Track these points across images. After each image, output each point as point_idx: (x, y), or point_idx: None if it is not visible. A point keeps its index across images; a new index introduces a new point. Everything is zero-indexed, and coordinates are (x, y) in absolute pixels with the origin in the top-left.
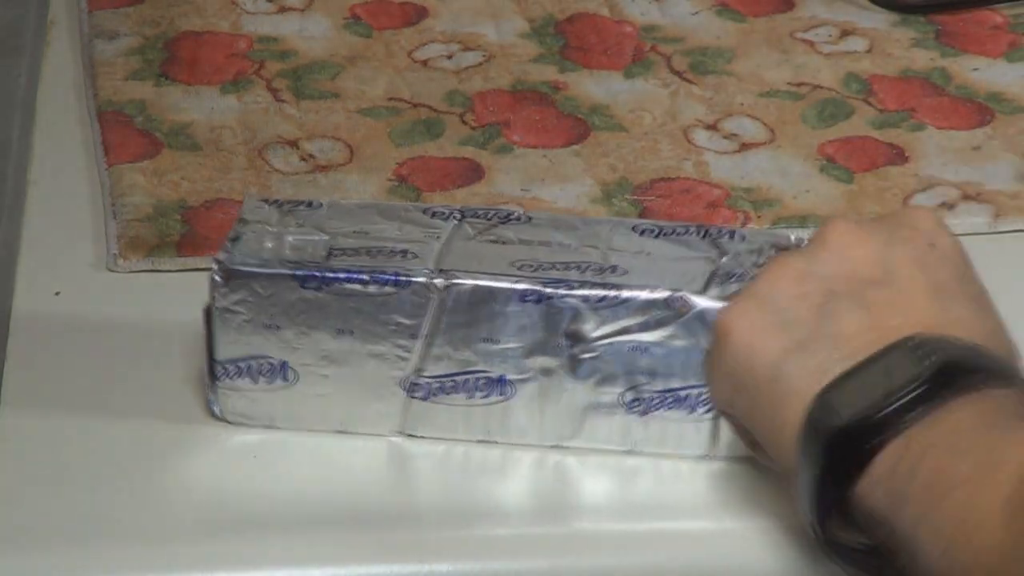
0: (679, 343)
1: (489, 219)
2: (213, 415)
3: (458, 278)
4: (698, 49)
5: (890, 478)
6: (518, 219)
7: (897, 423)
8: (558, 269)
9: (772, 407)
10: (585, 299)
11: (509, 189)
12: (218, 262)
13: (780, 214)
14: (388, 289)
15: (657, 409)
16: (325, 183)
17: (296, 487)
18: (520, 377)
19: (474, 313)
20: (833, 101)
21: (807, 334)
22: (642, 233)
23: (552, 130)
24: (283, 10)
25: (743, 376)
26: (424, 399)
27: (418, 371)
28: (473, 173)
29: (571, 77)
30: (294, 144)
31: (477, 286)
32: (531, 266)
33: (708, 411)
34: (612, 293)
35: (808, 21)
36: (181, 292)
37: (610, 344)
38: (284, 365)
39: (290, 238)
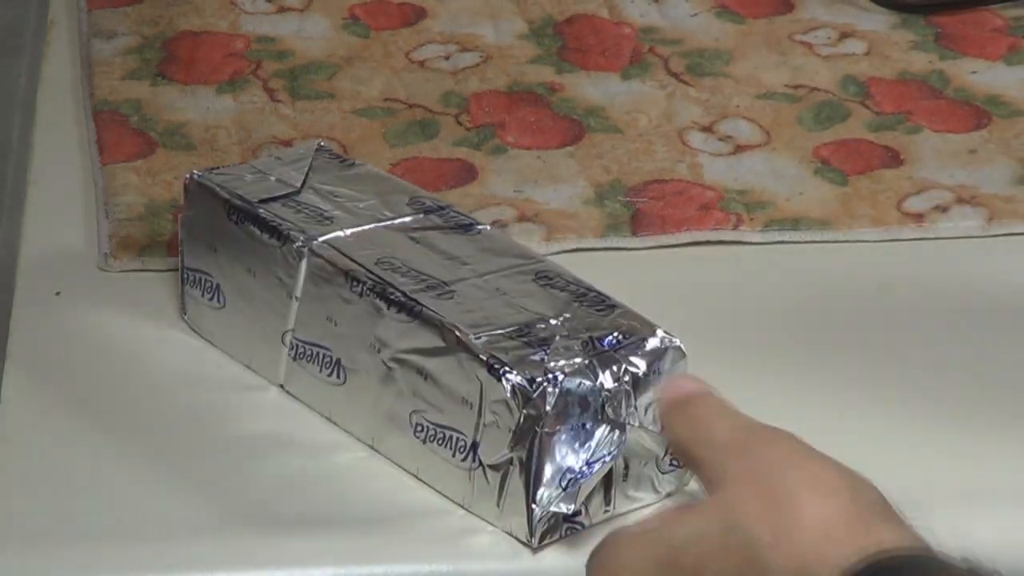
0: (451, 379)
1: (447, 222)
2: (182, 315)
3: (321, 252)
4: (696, 51)
5: None
6: (471, 231)
7: None
8: (401, 275)
9: None
10: (388, 302)
11: (502, 191)
12: (192, 175)
13: (772, 216)
14: (273, 242)
15: (432, 441)
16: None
17: (296, 485)
18: (350, 366)
19: (325, 289)
20: (830, 103)
21: None
22: (536, 279)
23: (547, 131)
24: (282, 10)
25: None
26: (295, 359)
27: (293, 330)
28: (466, 174)
29: (568, 78)
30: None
31: (326, 264)
32: (391, 266)
33: (464, 460)
34: (412, 309)
35: (807, 23)
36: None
37: (405, 360)
38: (219, 287)
39: (273, 178)
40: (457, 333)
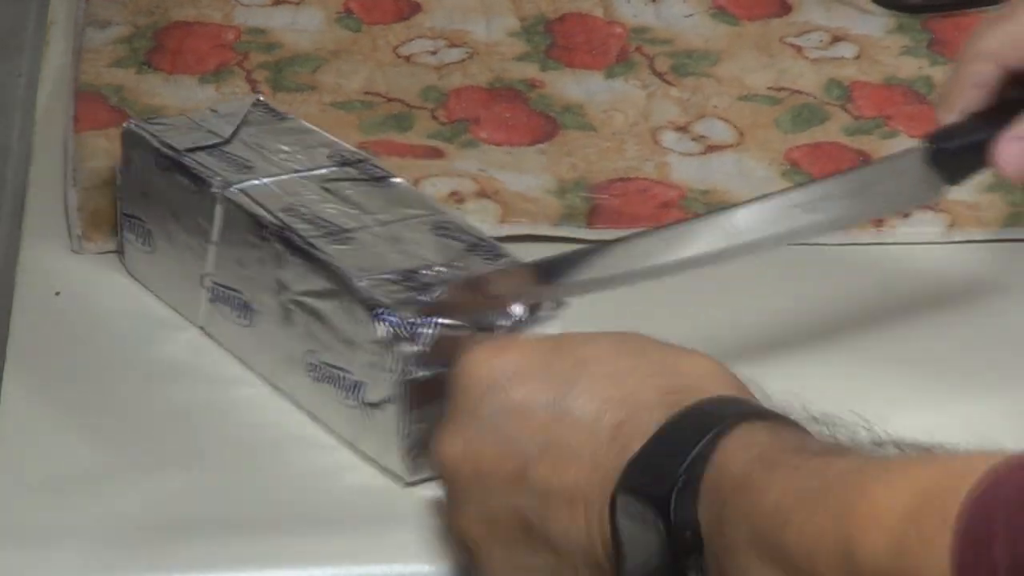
0: (339, 320)
1: (362, 174)
2: (120, 259)
3: (233, 198)
4: (684, 51)
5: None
6: (384, 183)
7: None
8: (305, 221)
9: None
10: (287, 245)
11: (467, 166)
12: (128, 124)
13: None
14: (193, 188)
15: (324, 381)
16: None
17: (296, 488)
18: (256, 308)
19: (236, 234)
20: (809, 107)
21: (553, 563)
22: (434, 228)
23: (520, 128)
24: (278, 3)
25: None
26: (212, 301)
27: (210, 274)
28: (434, 154)
29: (551, 76)
30: None
31: (239, 208)
32: (297, 214)
33: (350, 399)
34: (308, 253)
35: (801, 26)
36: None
37: (300, 301)
38: (150, 232)
39: (205, 129)
40: (343, 276)
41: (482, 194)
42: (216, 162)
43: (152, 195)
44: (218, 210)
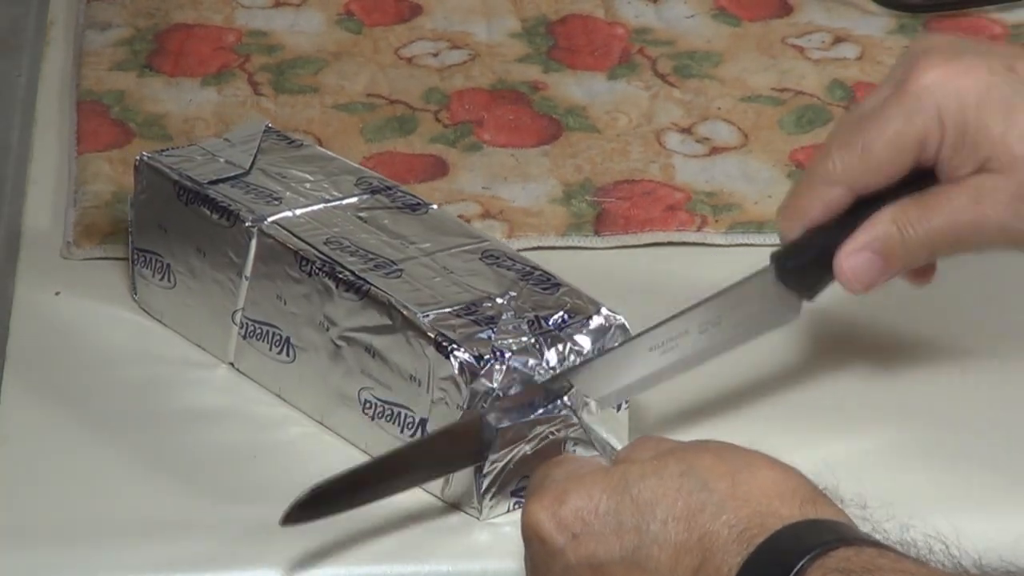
0: (399, 357)
1: (394, 202)
2: (132, 295)
3: (271, 232)
4: (686, 52)
5: None
6: (418, 210)
7: None
8: (350, 254)
9: None
10: (337, 281)
11: (470, 187)
12: (141, 157)
13: (738, 219)
14: (223, 222)
15: (380, 418)
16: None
17: (297, 488)
18: (299, 345)
19: (274, 268)
20: (813, 107)
21: None
22: (482, 258)
23: (524, 130)
24: (278, 4)
25: None
26: (244, 337)
27: (242, 309)
28: (437, 170)
29: (554, 77)
30: None
31: (278, 243)
32: (339, 246)
33: (413, 436)
34: (358, 285)
35: (803, 27)
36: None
37: (353, 338)
38: (169, 267)
39: (222, 160)
40: (404, 312)
41: (487, 215)
42: (242, 194)
43: (172, 229)
44: (253, 245)
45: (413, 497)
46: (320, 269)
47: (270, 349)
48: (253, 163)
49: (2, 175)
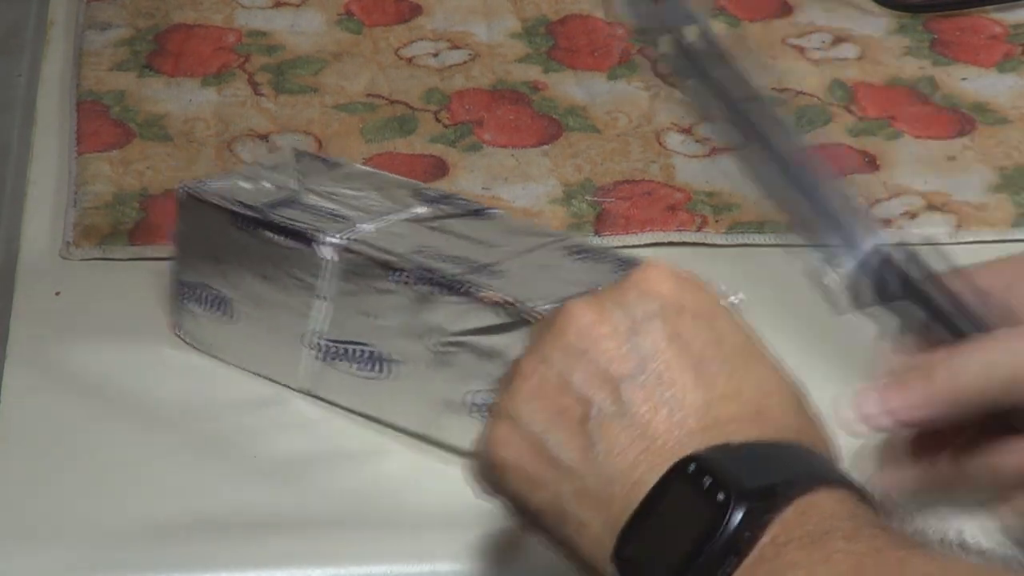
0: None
1: (457, 209)
2: (175, 332)
3: (352, 248)
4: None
5: None
6: (484, 215)
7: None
8: (445, 260)
9: (570, 545)
10: (439, 287)
11: (470, 187)
12: (183, 188)
13: (738, 218)
14: (292, 244)
15: None
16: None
17: (296, 489)
18: (393, 358)
19: (360, 284)
20: (813, 108)
21: (578, 467)
22: (571, 253)
23: (524, 130)
24: (278, 5)
25: (531, 514)
26: (322, 360)
27: (319, 332)
28: (437, 170)
29: (554, 77)
30: (264, 137)
31: (362, 257)
32: (428, 254)
33: None
34: (464, 287)
35: (803, 27)
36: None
37: (462, 341)
38: (226, 299)
39: (269, 185)
40: (521, 307)
41: None
42: (302, 215)
43: (227, 259)
44: (330, 263)
45: (413, 497)
46: (417, 278)
47: (357, 368)
48: (300, 185)
49: (2, 175)
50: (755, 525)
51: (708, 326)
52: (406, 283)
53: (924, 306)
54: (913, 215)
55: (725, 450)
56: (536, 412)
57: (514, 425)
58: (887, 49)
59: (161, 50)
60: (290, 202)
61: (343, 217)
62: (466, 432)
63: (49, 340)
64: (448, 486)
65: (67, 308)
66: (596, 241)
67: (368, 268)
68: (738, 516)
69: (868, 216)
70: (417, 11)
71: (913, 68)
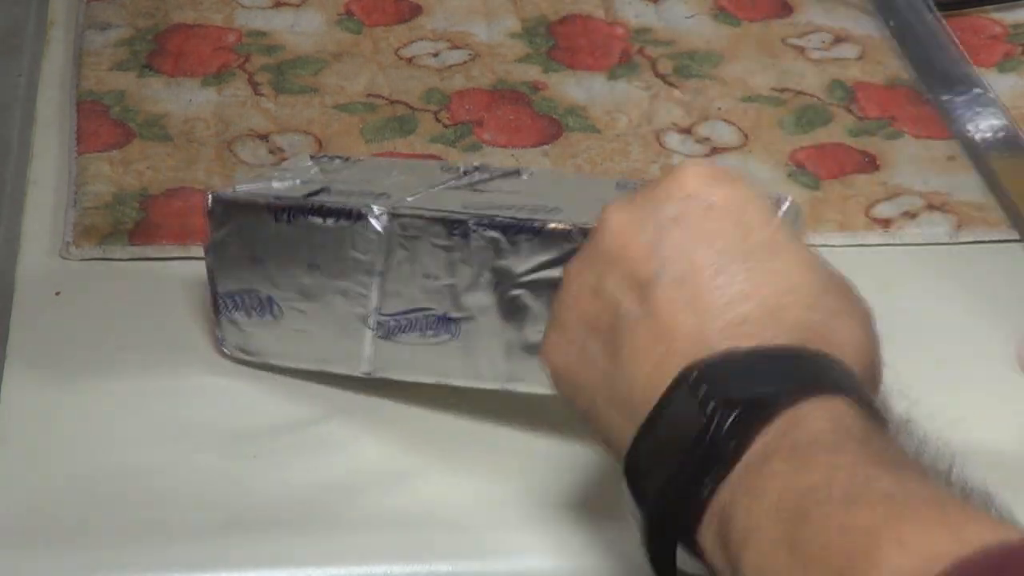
0: None
1: (495, 174)
2: (220, 348)
3: (405, 213)
4: (686, 53)
5: (709, 537)
6: (521, 173)
7: (700, 491)
8: (495, 209)
9: (610, 449)
10: (504, 230)
11: None
12: (212, 196)
13: None
14: (343, 223)
15: None
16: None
17: (296, 489)
18: (461, 315)
19: (418, 248)
20: (813, 108)
21: (609, 372)
22: (619, 188)
23: (524, 130)
24: (278, 5)
25: (581, 418)
26: (385, 338)
27: (378, 309)
28: None
29: (554, 77)
30: (264, 137)
31: (418, 220)
32: (483, 207)
33: None
34: (530, 224)
35: (803, 27)
36: (182, 288)
37: (533, 280)
38: (270, 299)
39: (297, 181)
40: (587, 227)
41: None
42: (345, 199)
43: (268, 257)
44: (384, 234)
45: (413, 497)
46: (479, 225)
47: (424, 336)
48: (328, 178)
49: (2, 175)
50: (742, 435)
51: (735, 221)
52: (467, 235)
53: None
54: (913, 215)
55: (728, 357)
56: (576, 319)
57: (561, 332)
58: (888, 49)
59: (161, 50)
60: (324, 191)
61: (382, 194)
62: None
63: (49, 340)
64: (448, 486)
65: (67, 308)
66: None
67: (425, 229)
68: (725, 426)
69: None
70: (417, 11)
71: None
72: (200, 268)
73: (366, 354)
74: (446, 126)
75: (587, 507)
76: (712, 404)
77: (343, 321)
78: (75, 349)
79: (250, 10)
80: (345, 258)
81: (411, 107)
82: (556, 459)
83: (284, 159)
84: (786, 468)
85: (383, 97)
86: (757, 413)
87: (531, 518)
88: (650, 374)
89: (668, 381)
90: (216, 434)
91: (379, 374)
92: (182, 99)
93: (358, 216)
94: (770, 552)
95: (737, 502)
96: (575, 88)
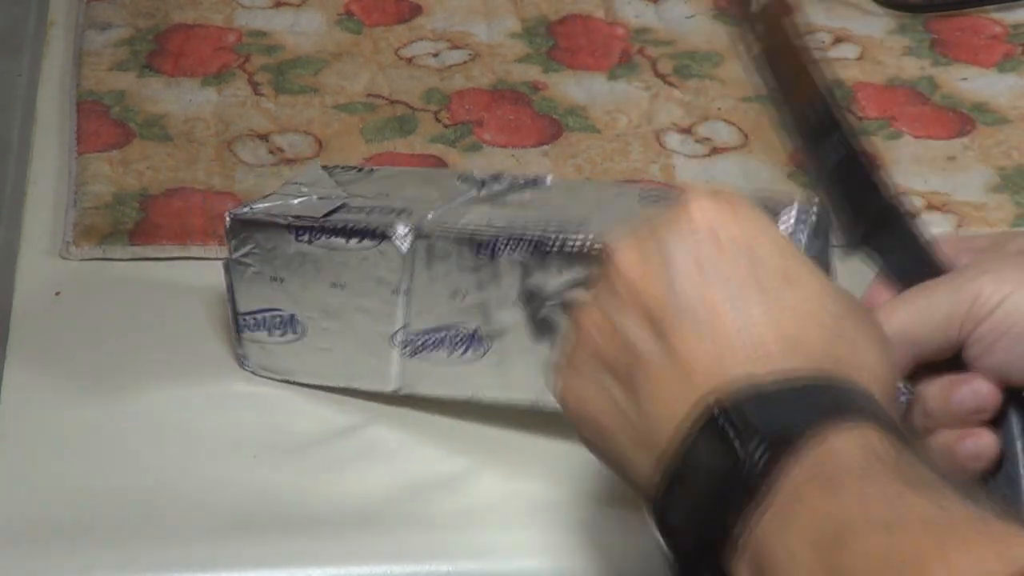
0: None
1: (516, 184)
2: (242, 367)
3: (430, 232)
4: (686, 53)
5: (742, 569)
6: (540, 183)
7: (732, 528)
8: (528, 227)
9: (627, 480)
10: (534, 249)
11: None
12: (230, 215)
13: None
14: (366, 243)
15: None
16: (289, 175)
17: (296, 489)
18: (492, 334)
19: (444, 267)
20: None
21: (630, 414)
22: (643, 200)
23: (524, 130)
24: (278, 5)
25: (607, 464)
26: (412, 356)
27: (404, 327)
28: (437, 167)
29: (554, 78)
30: (264, 137)
31: (443, 240)
32: (510, 223)
33: None
34: (559, 242)
35: (803, 27)
36: (182, 288)
37: (563, 299)
38: (292, 318)
39: (314, 196)
40: None
41: None
42: (365, 217)
43: (291, 277)
44: (409, 254)
45: (412, 497)
46: (508, 244)
47: (452, 354)
48: (346, 192)
49: (2, 175)
50: (772, 469)
51: (746, 253)
52: (495, 255)
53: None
54: (913, 215)
55: (751, 389)
56: (590, 358)
57: (576, 374)
58: (887, 49)
59: (161, 50)
60: (343, 208)
61: (403, 210)
62: None
63: (49, 340)
64: (448, 487)
65: (67, 308)
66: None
67: (452, 248)
68: (754, 461)
69: None
70: (417, 11)
71: (913, 68)
72: (200, 268)
73: (393, 372)
74: (446, 126)
75: (587, 508)
76: (739, 440)
77: (369, 339)
78: (75, 349)
79: (250, 10)
80: (369, 277)
81: (411, 107)
82: (556, 459)
83: (285, 159)
84: (819, 497)
85: (383, 97)
86: (785, 446)
87: (531, 518)
88: (674, 412)
89: (692, 418)
90: (216, 433)
91: (407, 391)
92: (182, 99)
93: (382, 236)
94: None
95: (771, 534)
96: (575, 88)
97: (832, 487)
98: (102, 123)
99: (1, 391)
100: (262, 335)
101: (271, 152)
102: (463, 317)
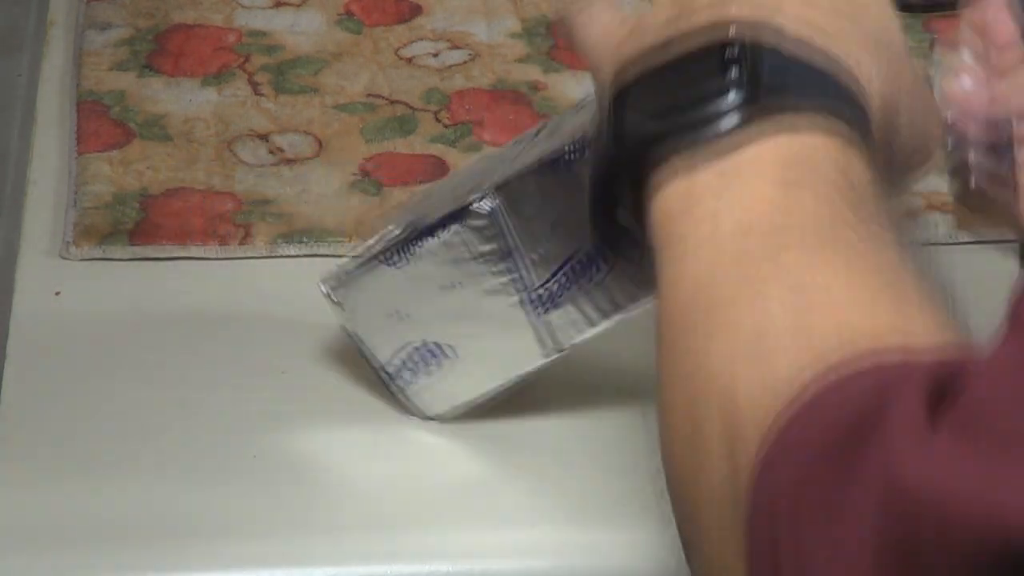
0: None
1: (564, 115)
2: (423, 418)
3: (505, 183)
4: None
5: (661, 198)
6: (583, 107)
7: (671, 160)
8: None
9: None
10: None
11: None
12: (324, 284)
13: None
14: (453, 227)
15: None
16: (289, 176)
17: (296, 489)
18: (599, 249)
19: (530, 208)
20: None
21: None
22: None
23: (524, 130)
24: (278, 5)
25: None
26: (551, 309)
27: (528, 287)
28: (437, 170)
29: (553, 78)
30: (264, 137)
31: (523, 177)
32: (563, 140)
33: None
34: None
35: None
36: (181, 288)
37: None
38: (437, 346)
39: (390, 227)
40: None
41: None
42: (436, 210)
43: (407, 305)
44: (497, 210)
45: (413, 497)
46: (576, 150)
47: (580, 285)
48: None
49: (2, 175)
50: (745, 122)
51: None
52: (571, 167)
53: None
54: (913, 215)
55: (773, 36)
56: None
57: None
58: None
59: (161, 50)
60: (416, 221)
61: (471, 190)
62: None
63: (49, 340)
64: (448, 487)
65: (67, 308)
66: None
67: (530, 183)
68: (733, 107)
69: None
70: (417, 11)
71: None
72: (200, 268)
73: (542, 337)
74: (446, 126)
75: (588, 508)
76: (735, 87)
77: (503, 320)
78: (75, 349)
79: (250, 10)
80: (475, 257)
81: (411, 107)
82: (556, 460)
83: (285, 159)
84: (770, 187)
85: (383, 97)
86: (771, 114)
87: (531, 518)
88: (698, 21)
89: (707, 32)
90: (216, 433)
91: (570, 343)
92: (182, 99)
93: (463, 212)
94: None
95: (708, 187)
96: (575, 88)
97: (785, 184)
98: (102, 123)
99: (1, 391)
100: (413, 378)
101: (271, 152)
102: (575, 240)
